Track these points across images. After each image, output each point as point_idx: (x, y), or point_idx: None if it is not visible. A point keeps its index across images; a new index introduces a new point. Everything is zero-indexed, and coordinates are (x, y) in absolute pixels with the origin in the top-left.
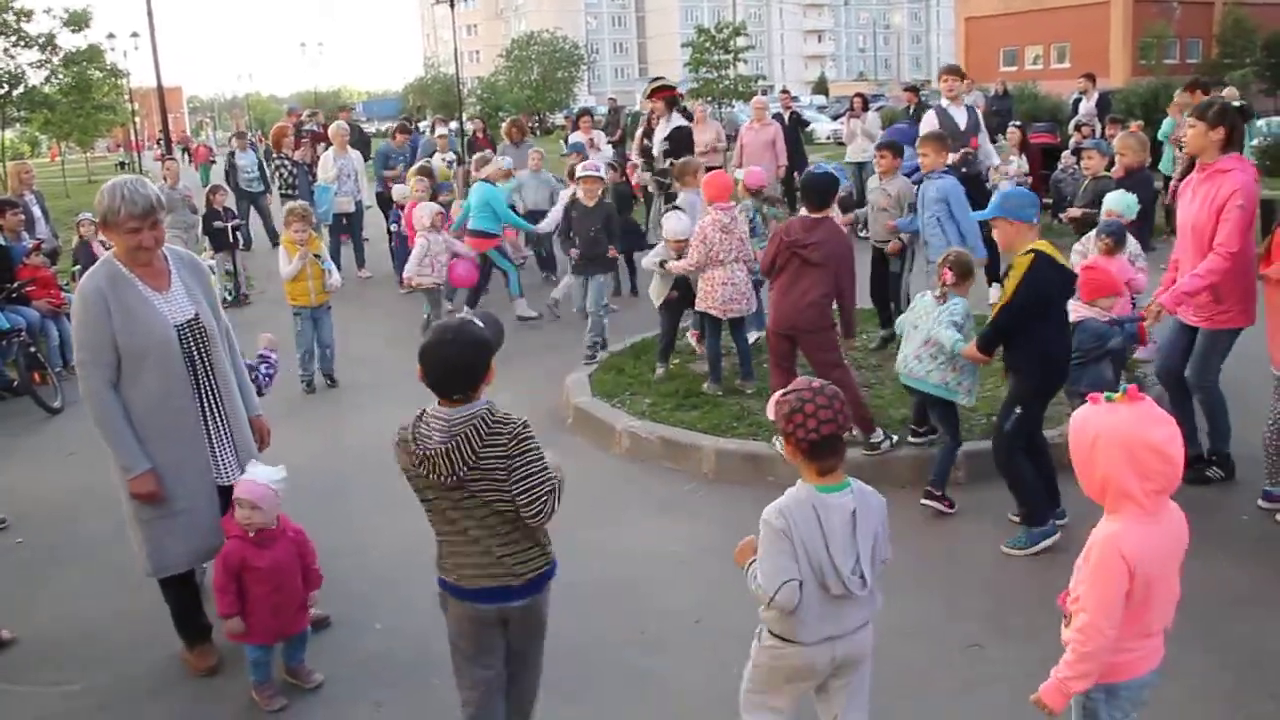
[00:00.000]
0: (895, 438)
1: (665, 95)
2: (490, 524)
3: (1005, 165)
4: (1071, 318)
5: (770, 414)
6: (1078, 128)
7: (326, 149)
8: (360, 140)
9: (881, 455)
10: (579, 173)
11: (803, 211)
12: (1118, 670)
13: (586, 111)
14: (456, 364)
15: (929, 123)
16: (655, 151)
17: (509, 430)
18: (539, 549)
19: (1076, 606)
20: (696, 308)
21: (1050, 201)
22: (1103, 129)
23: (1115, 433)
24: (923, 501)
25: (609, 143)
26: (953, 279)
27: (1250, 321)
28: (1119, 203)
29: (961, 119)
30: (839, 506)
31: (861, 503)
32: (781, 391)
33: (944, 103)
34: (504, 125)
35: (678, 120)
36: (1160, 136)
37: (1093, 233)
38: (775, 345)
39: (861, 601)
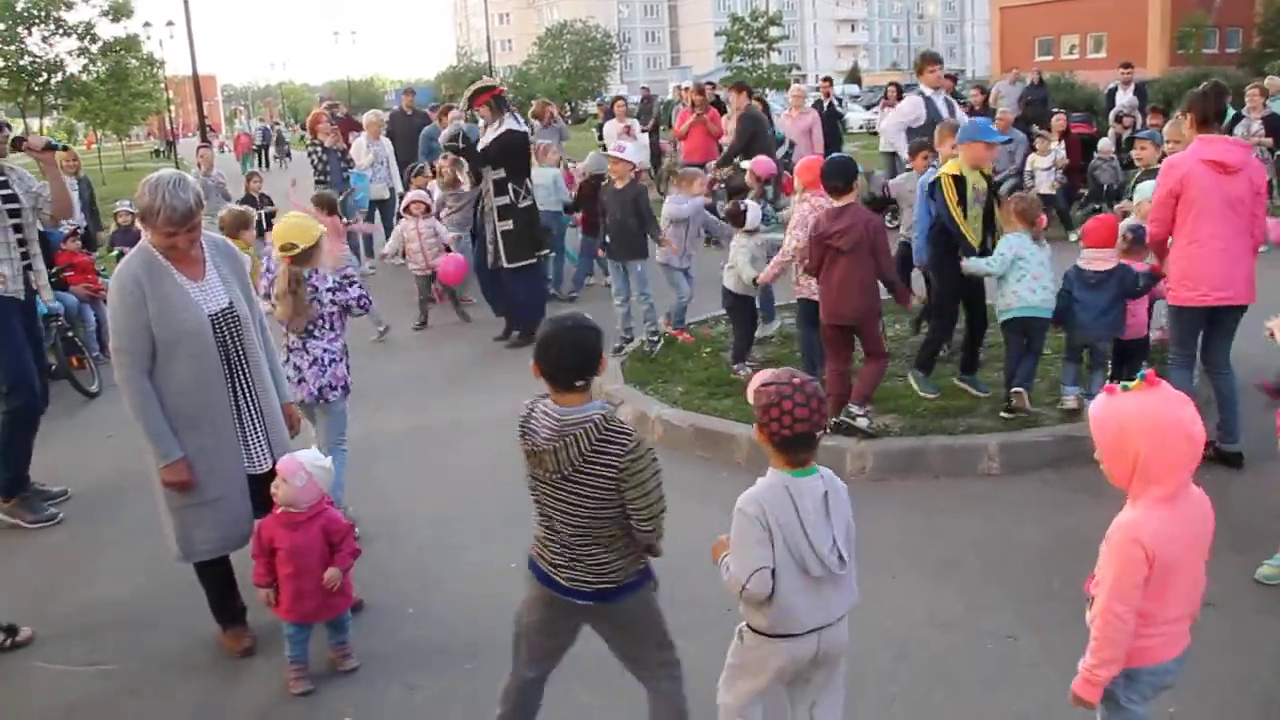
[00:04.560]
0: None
1: (488, 98)
2: (579, 525)
3: (1045, 152)
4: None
5: (749, 397)
6: (1118, 119)
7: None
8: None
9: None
10: (609, 154)
11: (824, 201)
12: (1139, 655)
13: (621, 98)
14: (577, 351)
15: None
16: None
17: (624, 443)
18: (620, 564)
19: (1095, 591)
20: (795, 296)
21: (1086, 191)
22: (1144, 119)
23: (1145, 417)
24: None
25: (643, 130)
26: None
27: (1183, 301)
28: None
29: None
30: (811, 490)
31: (831, 487)
32: (763, 380)
33: (928, 90)
34: (533, 108)
35: (508, 122)
36: None
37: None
38: (829, 334)
39: (842, 588)
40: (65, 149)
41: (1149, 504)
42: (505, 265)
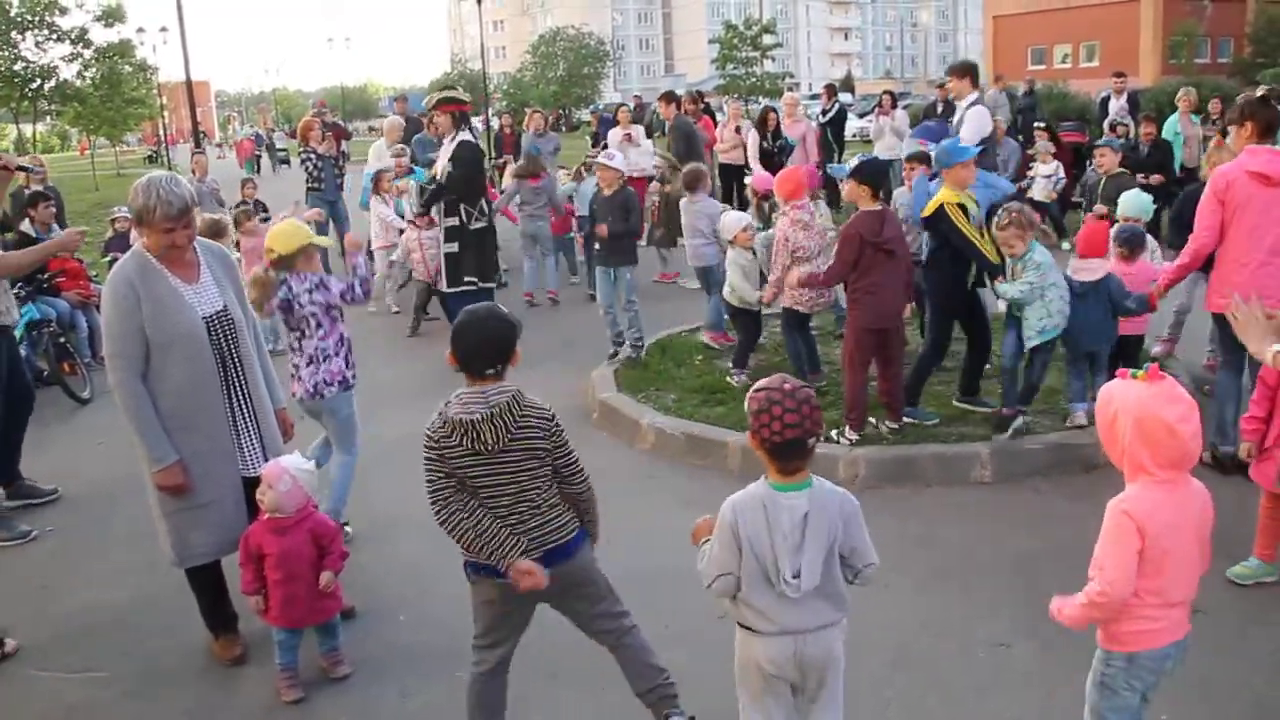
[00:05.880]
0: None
1: (451, 109)
2: (514, 495)
3: (1045, 160)
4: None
5: (746, 406)
6: (1112, 127)
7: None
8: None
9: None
10: (598, 161)
11: (859, 203)
12: (1141, 639)
13: (625, 105)
14: (490, 338)
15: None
16: (439, 172)
17: (543, 411)
18: (557, 524)
19: (1095, 569)
20: (781, 304)
21: (1082, 201)
22: (1136, 128)
23: (1130, 407)
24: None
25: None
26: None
27: (1214, 308)
28: (1134, 204)
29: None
30: (789, 506)
31: (817, 505)
32: (756, 386)
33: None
34: (528, 117)
35: (464, 136)
36: (1165, 134)
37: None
38: (872, 341)
39: (823, 601)
40: (34, 171)
41: (1144, 484)
42: (445, 289)
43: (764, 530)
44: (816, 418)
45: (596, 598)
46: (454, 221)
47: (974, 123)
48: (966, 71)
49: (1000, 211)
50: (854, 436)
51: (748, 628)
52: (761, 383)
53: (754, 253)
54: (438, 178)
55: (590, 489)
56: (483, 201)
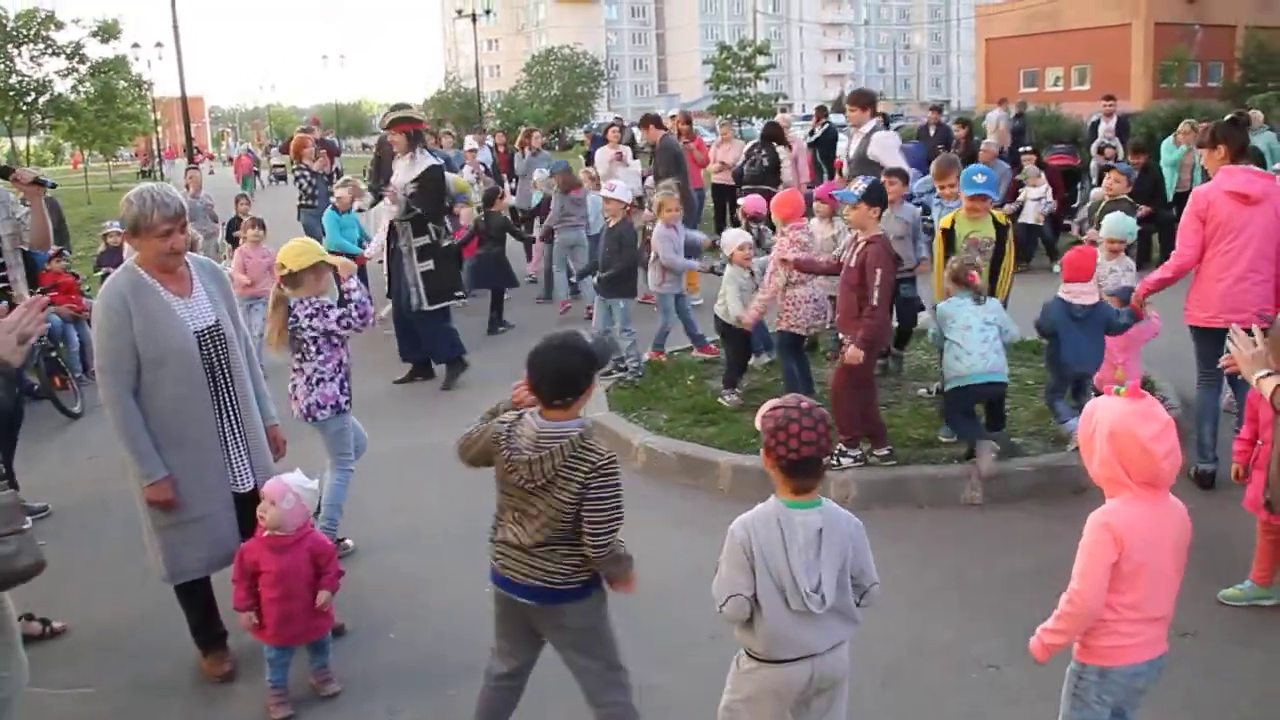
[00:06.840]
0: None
1: (406, 129)
2: (536, 532)
3: (1035, 183)
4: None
5: (759, 424)
6: (1100, 150)
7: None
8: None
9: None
10: (602, 193)
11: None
12: (1114, 654)
13: (614, 125)
14: (559, 370)
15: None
16: (399, 195)
17: (593, 460)
18: (567, 570)
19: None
20: (779, 327)
21: (1070, 224)
22: (1125, 152)
23: (1109, 422)
24: None
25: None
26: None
27: (1197, 323)
28: (1117, 226)
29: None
30: (804, 523)
31: (829, 523)
32: (771, 404)
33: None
34: (520, 136)
35: (426, 159)
36: (1164, 159)
37: (1107, 255)
38: (869, 365)
39: (838, 619)
40: (54, 187)
41: (1124, 499)
42: (426, 308)
43: (779, 546)
44: (830, 436)
45: (589, 652)
46: (425, 240)
47: (883, 145)
48: (864, 101)
49: (952, 258)
50: (858, 453)
51: (762, 659)
52: (775, 401)
53: (751, 273)
54: (400, 196)
55: (604, 556)
56: (446, 220)
